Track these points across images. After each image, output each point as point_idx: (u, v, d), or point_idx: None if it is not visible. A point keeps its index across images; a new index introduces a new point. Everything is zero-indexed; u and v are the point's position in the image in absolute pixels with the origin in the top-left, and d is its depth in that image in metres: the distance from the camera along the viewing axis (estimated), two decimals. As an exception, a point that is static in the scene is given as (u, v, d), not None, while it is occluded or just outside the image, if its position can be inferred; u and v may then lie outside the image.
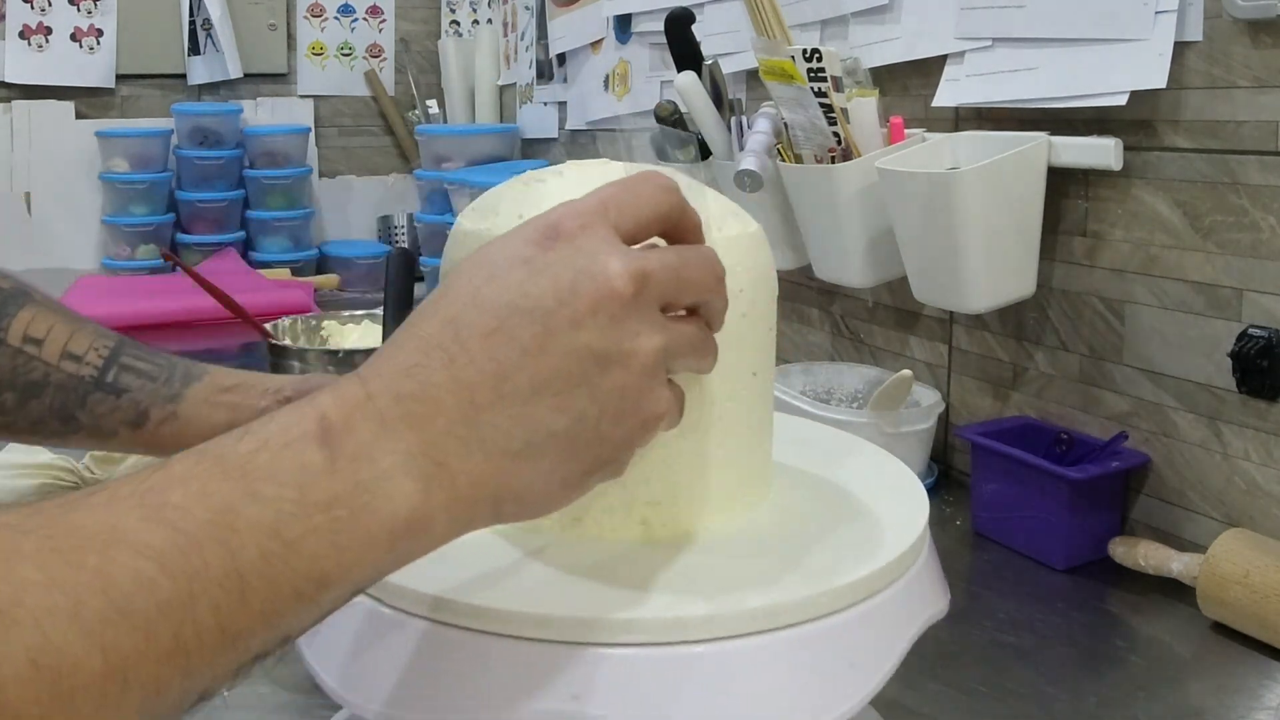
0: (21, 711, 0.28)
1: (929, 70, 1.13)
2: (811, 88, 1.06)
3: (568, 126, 2.04)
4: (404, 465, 0.36)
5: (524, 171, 0.53)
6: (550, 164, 0.61)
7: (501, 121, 2.35)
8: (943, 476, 1.14)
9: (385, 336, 1.11)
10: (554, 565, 0.48)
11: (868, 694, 0.45)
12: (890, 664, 0.47)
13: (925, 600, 0.51)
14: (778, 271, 0.56)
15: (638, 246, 0.41)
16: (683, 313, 0.43)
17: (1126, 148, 0.93)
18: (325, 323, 1.41)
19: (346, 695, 0.45)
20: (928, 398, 1.10)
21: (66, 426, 0.71)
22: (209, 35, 2.34)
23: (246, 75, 2.38)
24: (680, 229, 0.43)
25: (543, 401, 0.38)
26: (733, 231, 0.52)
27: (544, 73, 2.11)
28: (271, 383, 0.76)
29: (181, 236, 2.29)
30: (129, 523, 0.32)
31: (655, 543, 0.50)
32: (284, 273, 2.21)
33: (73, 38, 2.28)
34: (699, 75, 1.26)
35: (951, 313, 1.15)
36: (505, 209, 0.52)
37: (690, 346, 0.42)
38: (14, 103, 2.26)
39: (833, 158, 1.11)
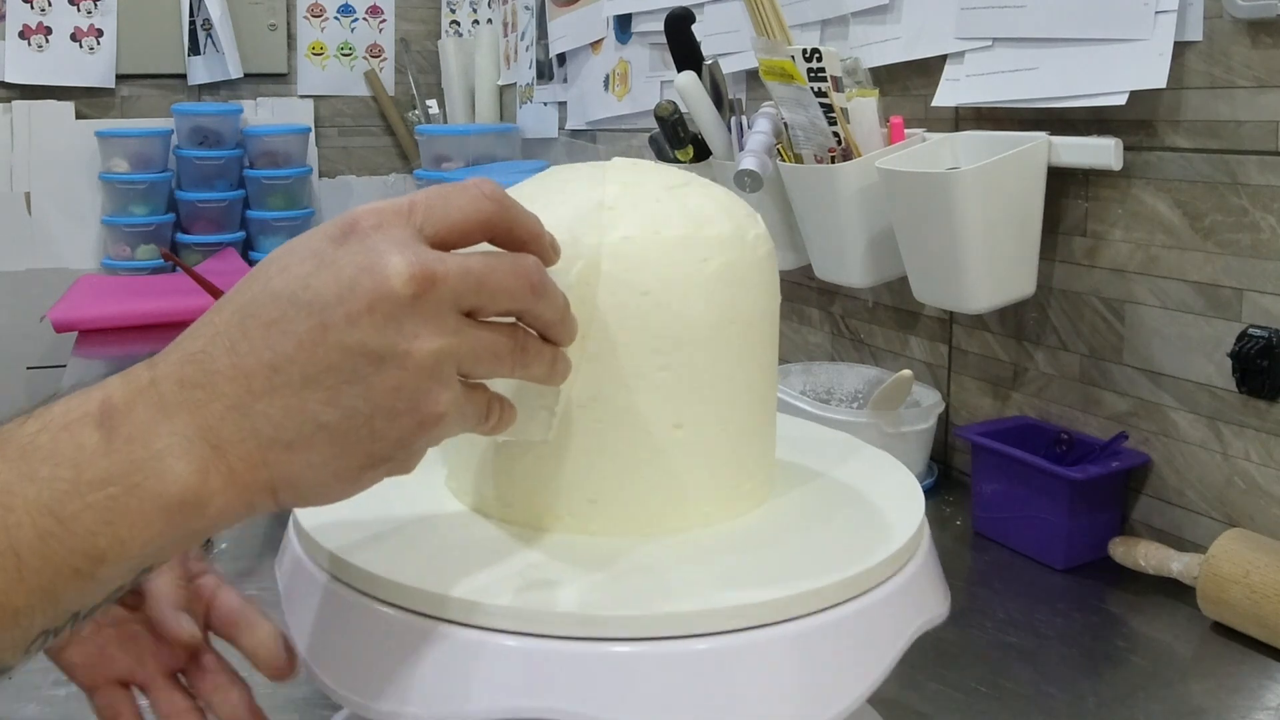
0: None
1: (929, 70, 1.13)
2: (811, 88, 1.06)
3: (568, 126, 2.04)
4: (179, 446, 0.37)
5: (524, 171, 0.53)
6: (551, 164, 0.61)
7: (501, 121, 2.35)
8: (943, 476, 1.14)
9: None
10: (555, 562, 0.48)
11: (865, 690, 0.45)
12: (887, 661, 0.47)
13: (924, 599, 0.51)
14: (778, 271, 0.56)
15: (458, 252, 0.41)
16: (511, 320, 0.43)
17: (1126, 148, 0.93)
18: (325, 323, 1.41)
19: (349, 695, 0.45)
20: (928, 398, 1.10)
21: None
22: (209, 35, 2.34)
23: (246, 75, 2.38)
24: (509, 238, 0.43)
25: (313, 394, 0.38)
26: (726, 231, 0.52)
27: (544, 73, 2.11)
28: None
29: (181, 236, 2.29)
30: None
31: (656, 540, 0.50)
32: None
33: (73, 38, 2.28)
34: (699, 75, 1.26)
35: (951, 313, 1.15)
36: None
37: (490, 353, 0.41)
38: (14, 103, 2.26)
39: (833, 158, 1.11)
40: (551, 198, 0.50)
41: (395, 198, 0.41)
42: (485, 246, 0.42)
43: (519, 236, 0.43)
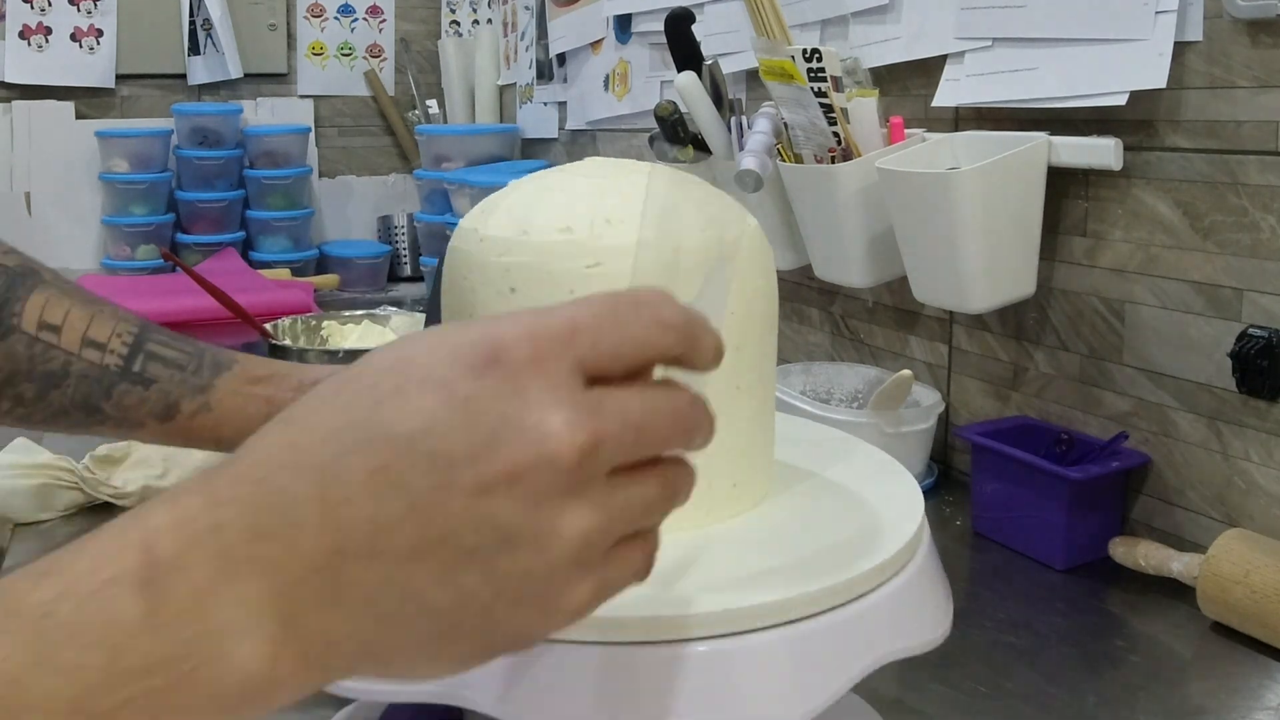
0: None
1: (929, 70, 1.13)
2: (811, 88, 1.06)
3: (568, 126, 2.04)
4: (243, 621, 0.29)
5: (524, 171, 0.53)
6: (550, 164, 0.61)
7: (501, 121, 2.35)
8: (943, 476, 1.14)
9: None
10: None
11: (848, 683, 0.45)
12: (875, 662, 0.47)
13: (924, 601, 0.51)
14: (777, 271, 0.56)
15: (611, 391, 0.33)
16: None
17: (1126, 148, 0.93)
18: (325, 323, 1.41)
19: (357, 685, 0.45)
20: (928, 398, 1.10)
21: (91, 418, 0.67)
22: (209, 35, 2.34)
23: (246, 75, 2.38)
24: (681, 364, 0.34)
25: (423, 568, 0.30)
26: (731, 232, 0.52)
27: (544, 73, 2.11)
28: (305, 374, 0.71)
29: (181, 236, 2.29)
30: None
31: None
32: (284, 273, 2.21)
33: (73, 38, 2.28)
34: (699, 75, 1.26)
35: (951, 313, 1.15)
36: (502, 210, 0.52)
37: (643, 512, 0.33)
38: (14, 103, 2.26)
39: (833, 158, 1.11)
40: (537, 212, 0.50)
41: (550, 311, 0.32)
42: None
43: (694, 364, 0.34)
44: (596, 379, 0.32)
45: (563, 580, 0.31)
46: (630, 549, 0.34)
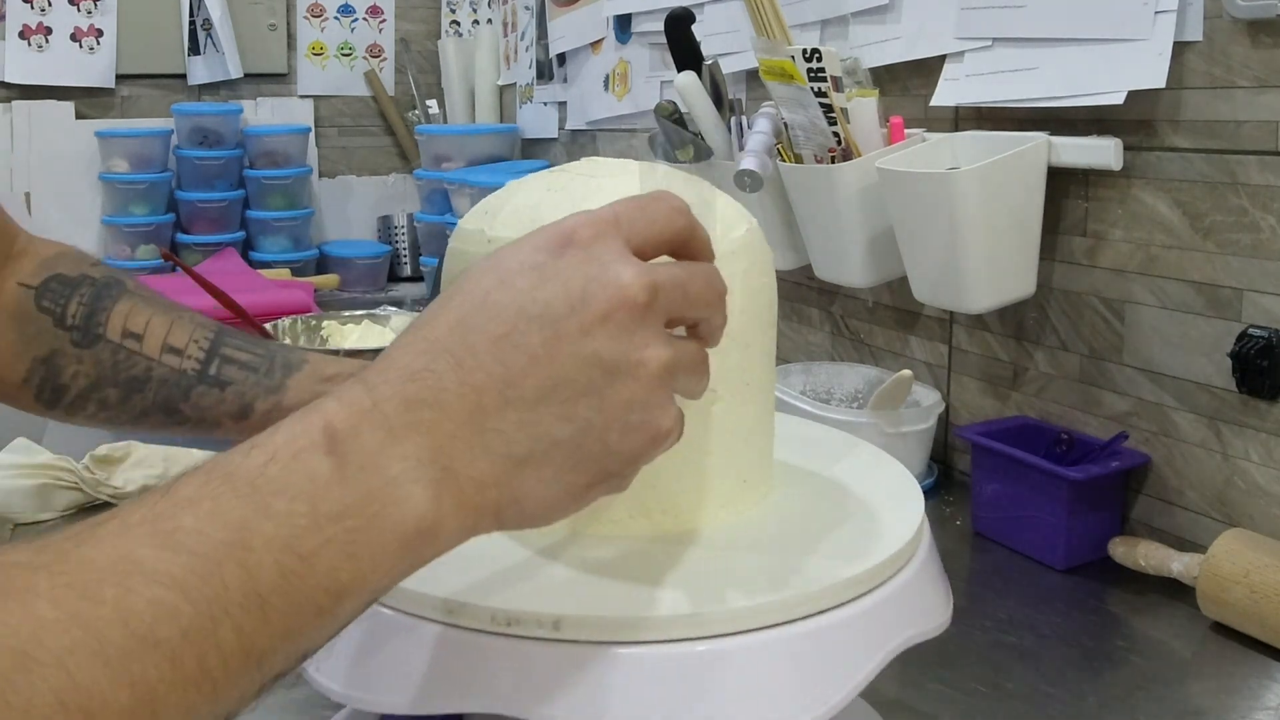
0: None
1: (929, 70, 1.13)
2: (811, 88, 1.06)
3: (568, 126, 2.04)
4: (412, 471, 0.36)
5: (524, 171, 0.53)
6: (551, 164, 0.61)
7: (501, 121, 2.35)
8: (943, 476, 1.14)
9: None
10: (552, 565, 0.48)
11: (856, 686, 0.45)
12: (882, 660, 0.47)
13: (923, 601, 0.51)
14: (777, 271, 0.56)
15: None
16: (682, 331, 0.43)
17: (1126, 148, 0.93)
18: (325, 323, 1.41)
19: (353, 694, 0.45)
20: (928, 398, 1.10)
21: (171, 419, 0.71)
22: (209, 35, 2.34)
23: (246, 75, 2.38)
24: (689, 249, 0.43)
25: (549, 409, 0.37)
26: (736, 232, 0.52)
27: (544, 73, 2.11)
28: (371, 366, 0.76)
29: (181, 236, 2.29)
30: (143, 552, 0.32)
31: (656, 540, 0.50)
32: (284, 273, 2.21)
33: (73, 38, 2.28)
34: (699, 75, 1.26)
35: (951, 313, 1.15)
36: (508, 210, 0.52)
37: (692, 364, 0.41)
38: (14, 103, 2.26)
39: (833, 158, 1.11)
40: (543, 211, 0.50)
41: (595, 209, 0.41)
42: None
43: (696, 248, 0.43)
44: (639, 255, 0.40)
45: (656, 404, 0.39)
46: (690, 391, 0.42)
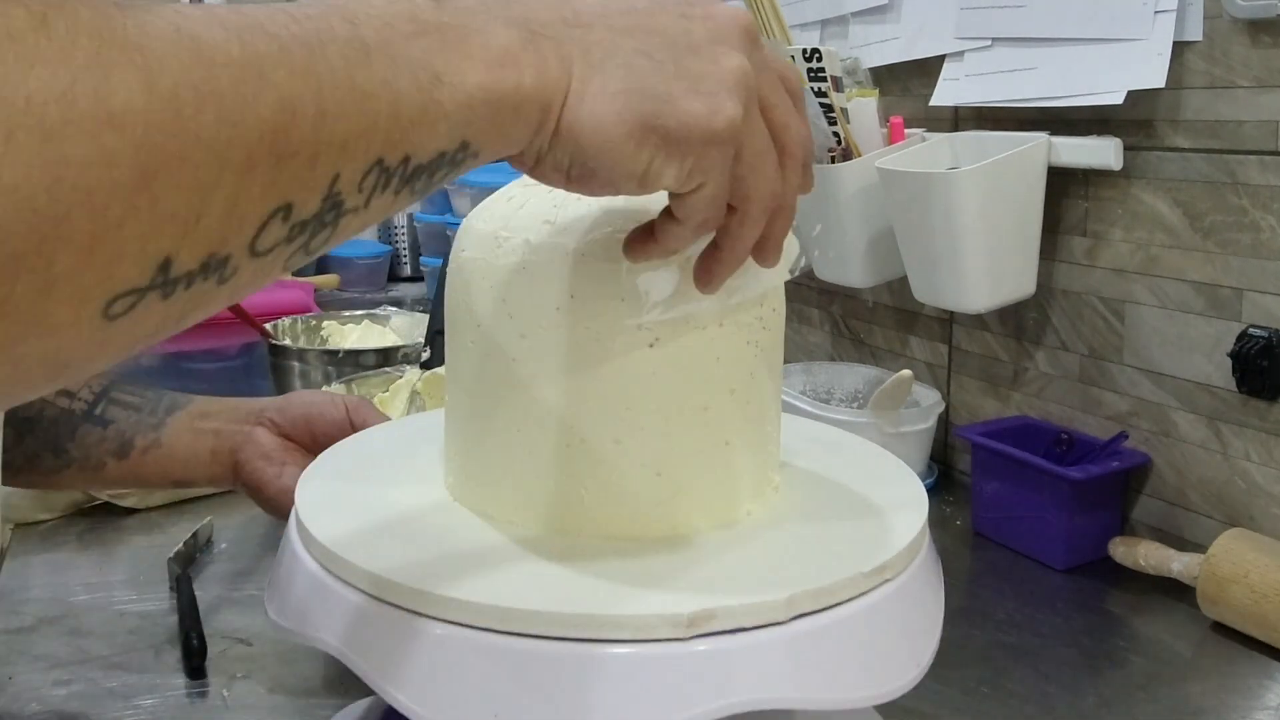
0: (166, 63, 0.29)
1: (929, 70, 1.13)
2: (811, 88, 1.06)
3: (568, 126, 2.04)
4: (502, 19, 0.39)
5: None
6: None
7: (501, 121, 2.35)
8: (943, 476, 1.14)
9: (429, 341, 1.10)
10: (551, 563, 0.48)
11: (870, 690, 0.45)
12: (884, 658, 0.47)
13: (923, 601, 0.51)
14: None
15: None
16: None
17: (1126, 148, 0.93)
18: (325, 323, 1.41)
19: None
20: (928, 398, 1.10)
21: (59, 460, 0.74)
22: (209, 35, 2.34)
23: (247, 75, 2.38)
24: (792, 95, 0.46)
25: (631, 40, 0.40)
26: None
27: (544, 73, 2.11)
28: (254, 405, 0.78)
29: (181, 236, 2.29)
30: (261, 16, 0.33)
31: (663, 540, 0.50)
32: (284, 272, 2.21)
33: (73, 38, 2.28)
34: (699, 75, 1.26)
35: (951, 313, 1.15)
36: (503, 203, 0.52)
37: (784, 111, 0.44)
38: (14, 103, 2.26)
39: (833, 158, 1.11)
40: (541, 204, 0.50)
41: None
42: None
43: (796, 100, 0.46)
44: None
45: (726, 92, 0.41)
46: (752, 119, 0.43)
